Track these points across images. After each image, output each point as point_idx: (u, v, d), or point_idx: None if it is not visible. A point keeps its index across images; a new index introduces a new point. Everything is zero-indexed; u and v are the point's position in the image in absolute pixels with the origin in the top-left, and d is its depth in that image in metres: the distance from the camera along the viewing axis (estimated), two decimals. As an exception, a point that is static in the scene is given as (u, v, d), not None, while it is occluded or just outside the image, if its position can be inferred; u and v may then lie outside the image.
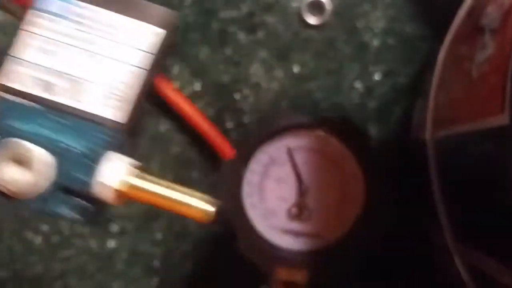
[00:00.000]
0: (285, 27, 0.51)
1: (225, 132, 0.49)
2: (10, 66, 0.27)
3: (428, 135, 0.41)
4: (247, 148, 0.43)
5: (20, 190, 0.28)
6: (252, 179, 0.44)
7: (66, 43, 0.28)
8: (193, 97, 0.51)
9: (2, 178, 0.28)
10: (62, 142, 0.28)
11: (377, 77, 0.51)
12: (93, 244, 0.53)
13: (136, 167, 0.32)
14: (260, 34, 0.51)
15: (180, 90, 0.51)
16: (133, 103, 0.27)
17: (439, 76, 0.41)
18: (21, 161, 0.28)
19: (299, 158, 0.43)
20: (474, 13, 0.40)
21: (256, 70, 0.51)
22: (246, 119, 0.51)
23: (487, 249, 0.34)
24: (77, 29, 0.28)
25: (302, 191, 0.43)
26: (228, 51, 0.51)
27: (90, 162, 0.29)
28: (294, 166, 0.43)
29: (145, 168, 0.36)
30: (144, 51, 0.28)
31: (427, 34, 0.51)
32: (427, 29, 0.51)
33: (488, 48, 0.35)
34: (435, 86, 0.41)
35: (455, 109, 0.39)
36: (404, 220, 0.49)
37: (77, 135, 0.27)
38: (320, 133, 0.42)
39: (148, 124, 0.52)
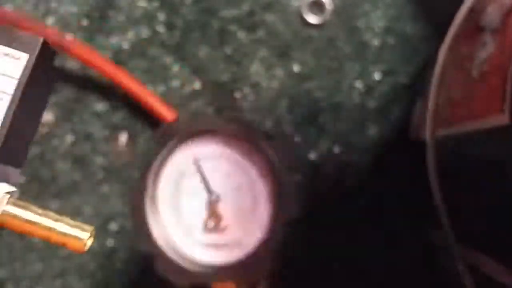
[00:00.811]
0: (285, 26, 0.51)
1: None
2: None
3: (428, 134, 0.41)
4: (150, 165, 0.43)
5: None
6: (165, 198, 0.43)
7: None
8: (193, 96, 0.52)
9: None
10: None
11: (377, 76, 0.51)
12: (92, 243, 0.53)
13: (10, 193, 0.30)
14: (260, 33, 0.51)
15: (180, 88, 0.52)
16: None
17: (439, 75, 0.41)
18: None
19: (207, 166, 0.43)
20: (475, 13, 0.40)
21: (256, 69, 0.51)
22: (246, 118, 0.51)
23: (487, 249, 0.34)
24: None
25: (213, 201, 0.42)
26: (228, 49, 0.52)
27: None
28: (202, 176, 0.42)
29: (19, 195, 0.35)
30: (5, 75, 0.27)
31: (427, 34, 0.51)
32: (427, 29, 0.51)
33: (488, 47, 0.35)
34: (435, 86, 0.41)
35: (455, 109, 0.39)
36: (404, 220, 0.50)
37: None
38: (223, 137, 0.42)
39: (149, 122, 0.52)
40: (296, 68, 0.51)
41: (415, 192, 0.46)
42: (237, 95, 0.51)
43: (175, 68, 0.52)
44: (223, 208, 0.42)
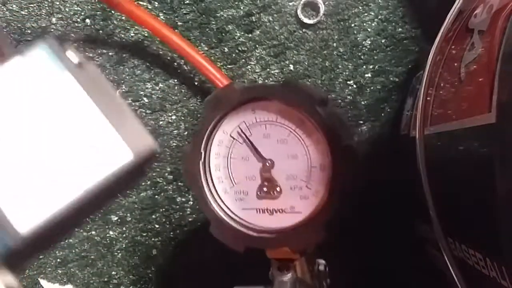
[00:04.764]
0: (281, 26, 0.52)
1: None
2: None
3: (417, 132, 0.41)
4: (203, 131, 0.42)
5: None
6: (219, 163, 0.43)
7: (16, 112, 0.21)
8: (192, 92, 0.52)
9: None
10: None
11: (369, 75, 0.52)
12: (93, 233, 0.53)
13: None
14: (257, 33, 0.52)
15: (179, 85, 0.52)
16: (46, 218, 0.21)
17: (429, 75, 0.41)
18: None
19: (258, 132, 0.41)
20: (464, 15, 0.41)
21: (253, 67, 0.52)
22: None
23: (474, 243, 0.35)
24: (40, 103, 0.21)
25: (267, 167, 0.42)
26: (226, 48, 0.53)
27: None
28: (250, 144, 0.42)
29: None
30: (96, 169, 0.21)
31: (418, 35, 0.52)
32: (418, 30, 0.52)
33: (476, 48, 0.35)
34: (424, 85, 0.41)
35: (444, 108, 0.39)
36: (394, 214, 0.50)
37: None
38: (277, 104, 0.41)
39: (148, 119, 0.53)
40: (291, 66, 0.52)
41: (405, 187, 0.47)
42: (234, 92, 0.52)
43: (175, 65, 0.53)
44: (278, 175, 0.41)
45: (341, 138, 0.39)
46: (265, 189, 0.42)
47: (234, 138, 0.42)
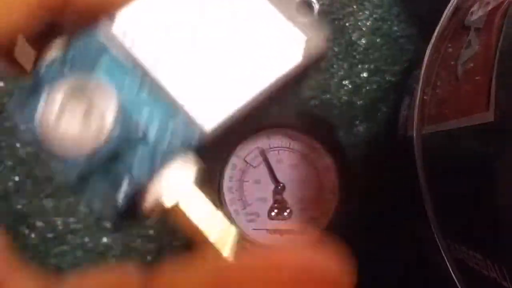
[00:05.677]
0: (275, 26, 0.51)
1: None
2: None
3: (414, 132, 0.41)
4: (219, 155, 0.44)
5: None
6: (232, 186, 0.45)
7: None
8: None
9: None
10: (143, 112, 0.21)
11: (364, 75, 0.51)
12: (87, 240, 0.53)
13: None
14: (251, 33, 0.52)
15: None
16: (227, 115, 0.22)
17: (426, 74, 0.41)
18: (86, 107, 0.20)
19: (272, 158, 0.44)
20: (460, 12, 0.41)
21: (246, 68, 0.51)
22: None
23: (473, 244, 0.34)
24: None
25: (279, 190, 0.43)
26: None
27: (160, 157, 0.21)
28: (268, 166, 0.44)
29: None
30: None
31: (414, 33, 0.51)
32: (414, 28, 0.51)
33: (473, 46, 0.35)
34: (421, 84, 0.41)
35: (441, 107, 0.39)
36: (392, 215, 0.50)
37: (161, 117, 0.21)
38: (289, 131, 0.43)
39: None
40: (286, 66, 0.51)
41: (403, 187, 0.47)
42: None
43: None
44: (288, 197, 0.43)
45: (351, 168, 0.41)
46: (276, 210, 0.43)
47: (247, 162, 0.45)
